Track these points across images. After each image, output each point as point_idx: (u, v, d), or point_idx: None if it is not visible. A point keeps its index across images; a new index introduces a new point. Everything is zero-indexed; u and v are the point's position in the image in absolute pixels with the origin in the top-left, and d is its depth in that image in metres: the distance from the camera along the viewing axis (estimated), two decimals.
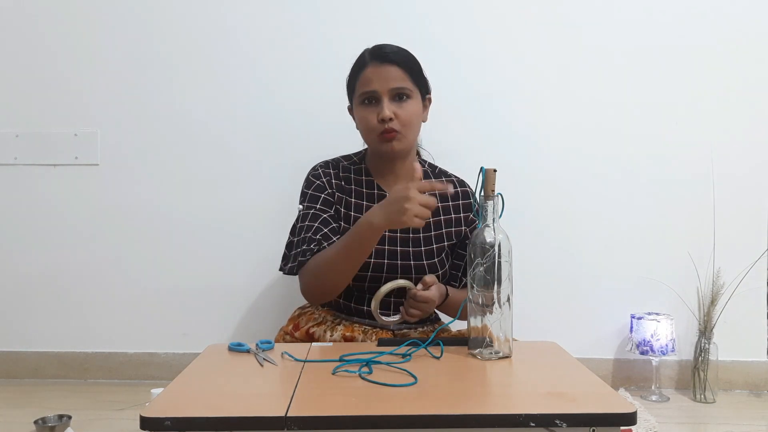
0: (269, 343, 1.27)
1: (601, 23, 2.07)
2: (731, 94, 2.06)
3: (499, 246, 1.16)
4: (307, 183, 1.57)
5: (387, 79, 1.46)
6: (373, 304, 1.41)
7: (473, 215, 1.61)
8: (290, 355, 1.20)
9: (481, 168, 1.18)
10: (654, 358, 1.98)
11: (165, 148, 2.11)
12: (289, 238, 1.57)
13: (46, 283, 2.13)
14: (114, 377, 2.13)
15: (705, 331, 2.00)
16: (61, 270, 2.12)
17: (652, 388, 2.00)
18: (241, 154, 2.10)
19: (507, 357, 1.17)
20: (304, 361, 1.16)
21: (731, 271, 2.02)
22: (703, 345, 1.99)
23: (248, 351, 1.24)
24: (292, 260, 1.51)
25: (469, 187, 1.65)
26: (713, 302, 2.00)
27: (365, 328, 1.51)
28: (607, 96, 2.07)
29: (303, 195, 1.56)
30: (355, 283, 1.49)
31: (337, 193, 1.54)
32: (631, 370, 2.10)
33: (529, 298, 1.97)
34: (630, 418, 0.89)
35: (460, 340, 1.26)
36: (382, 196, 1.54)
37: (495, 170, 1.17)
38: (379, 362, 1.12)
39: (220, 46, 2.09)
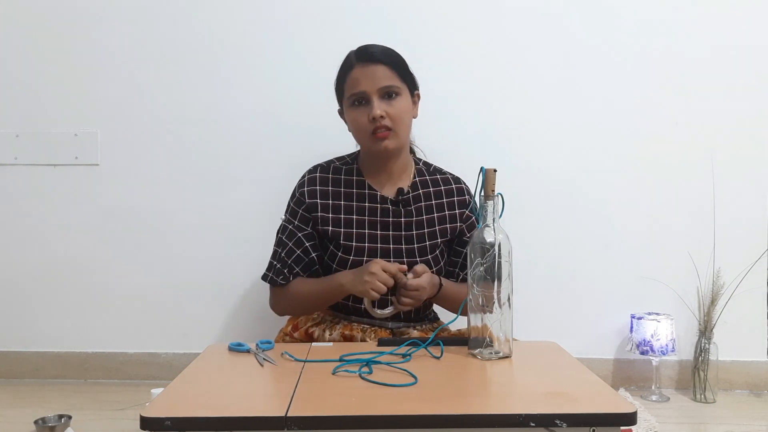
0: (269, 343, 1.27)
1: (601, 23, 2.06)
2: (731, 94, 2.05)
3: (499, 246, 1.16)
4: (292, 194, 1.61)
5: (375, 78, 1.47)
6: (365, 301, 1.46)
7: (468, 211, 1.62)
8: (290, 355, 1.20)
9: (481, 168, 1.18)
10: (654, 358, 1.98)
11: (165, 148, 2.11)
12: (274, 246, 1.62)
13: (46, 283, 2.13)
14: (114, 377, 2.13)
15: (705, 331, 2.00)
16: (61, 270, 2.12)
17: (652, 388, 2.00)
18: (241, 154, 2.10)
19: (507, 357, 1.17)
20: (304, 361, 1.16)
21: (731, 271, 2.02)
22: (703, 345, 1.99)
23: (248, 351, 1.24)
24: (269, 271, 1.59)
25: (464, 183, 1.66)
26: (713, 302, 2.00)
27: (364, 327, 1.51)
28: (607, 96, 2.07)
29: (287, 205, 1.61)
30: None
31: (319, 201, 1.56)
32: (631, 370, 2.10)
33: (529, 298, 1.97)
34: (630, 418, 0.89)
35: (460, 340, 1.27)
36: (373, 196, 1.56)
37: (495, 170, 1.18)
38: (379, 362, 1.13)
39: (220, 46, 2.09)
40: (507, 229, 1.20)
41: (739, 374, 2.07)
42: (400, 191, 1.56)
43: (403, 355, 1.18)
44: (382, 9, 2.06)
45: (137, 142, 2.11)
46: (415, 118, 1.58)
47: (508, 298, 1.17)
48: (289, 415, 0.88)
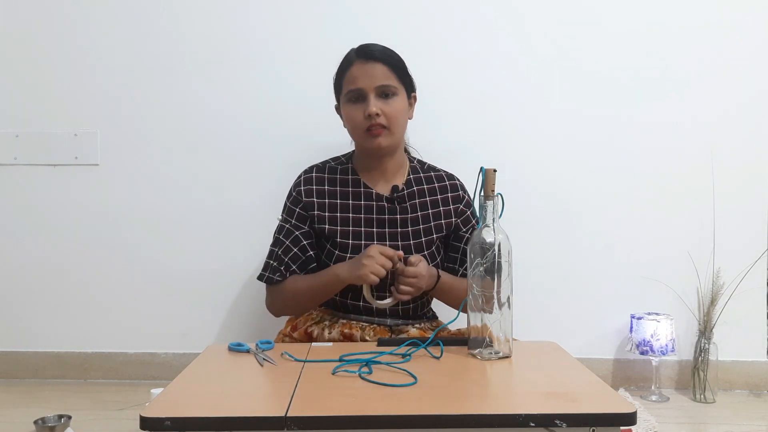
0: (269, 343, 1.27)
1: (600, 23, 2.06)
2: (731, 94, 2.05)
3: (499, 246, 1.16)
4: (289, 193, 1.62)
5: (373, 76, 1.49)
6: (365, 289, 1.47)
7: (463, 206, 1.63)
8: (290, 355, 1.20)
9: (481, 168, 1.18)
10: (654, 358, 1.98)
11: (165, 148, 2.11)
12: (270, 246, 1.62)
13: (46, 283, 2.13)
14: (114, 377, 2.13)
15: (705, 331, 2.00)
16: (61, 270, 2.12)
17: (652, 388, 2.00)
18: (241, 154, 2.10)
19: (507, 357, 1.17)
20: (304, 361, 1.16)
21: (731, 271, 2.02)
22: (702, 345, 1.99)
23: (248, 351, 1.24)
24: (265, 270, 1.59)
25: (458, 179, 1.68)
26: (713, 302, 2.00)
27: (363, 325, 1.52)
28: (607, 95, 2.07)
29: (284, 205, 1.62)
30: None
31: (316, 200, 1.57)
32: (631, 370, 2.10)
33: (529, 298, 1.97)
34: (630, 418, 0.89)
35: (460, 340, 1.27)
36: (368, 194, 1.57)
37: (495, 170, 1.18)
38: (378, 362, 1.13)
39: (220, 46, 2.09)
40: (507, 229, 1.20)
41: (739, 374, 2.07)
42: (394, 189, 1.57)
43: (403, 355, 1.18)
44: (382, 9, 2.06)
45: (137, 142, 2.11)
46: (410, 119, 1.61)
47: (508, 298, 1.17)
48: (288, 415, 0.88)
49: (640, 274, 2.07)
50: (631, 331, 2.03)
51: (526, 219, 2.03)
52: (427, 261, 1.54)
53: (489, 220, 1.18)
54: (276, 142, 2.09)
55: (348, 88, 1.52)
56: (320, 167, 1.62)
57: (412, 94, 1.60)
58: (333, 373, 1.08)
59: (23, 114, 2.11)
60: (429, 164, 1.69)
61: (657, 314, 2.00)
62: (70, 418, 1.65)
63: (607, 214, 2.08)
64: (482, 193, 1.18)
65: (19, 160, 2.12)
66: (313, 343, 1.36)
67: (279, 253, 1.57)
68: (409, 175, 1.62)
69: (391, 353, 1.19)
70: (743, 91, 2.05)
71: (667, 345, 1.96)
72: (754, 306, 2.06)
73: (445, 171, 1.68)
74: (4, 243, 2.13)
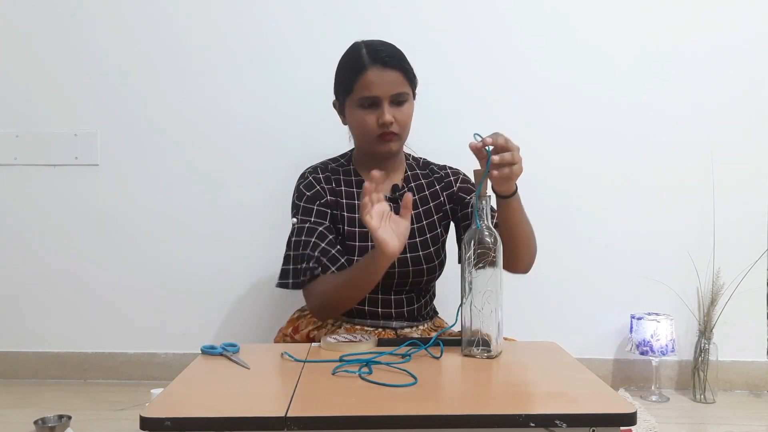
0: (234, 345, 1.25)
1: (600, 24, 2.07)
2: (731, 94, 2.06)
3: (493, 244, 1.16)
4: (299, 194, 1.55)
5: (389, 84, 1.46)
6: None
7: (457, 189, 1.61)
8: (290, 356, 1.19)
9: (488, 159, 1.19)
10: (654, 358, 1.98)
11: (165, 148, 2.11)
12: (285, 251, 1.53)
13: (46, 283, 2.13)
14: (114, 377, 2.13)
15: (705, 331, 2.00)
16: (61, 270, 2.12)
17: (652, 388, 2.00)
18: (241, 154, 2.10)
19: (497, 355, 1.16)
20: (304, 361, 1.16)
21: (731, 271, 2.02)
22: (702, 345, 1.99)
23: (221, 354, 1.22)
24: (293, 276, 1.49)
25: (449, 168, 1.65)
26: (713, 302, 2.00)
27: (367, 329, 1.51)
28: (607, 96, 2.07)
29: (295, 207, 1.54)
30: None
31: (329, 197, 1.53)
32: (631, 370, 2.10)
33: (529, 298, 1.97)
34: (630, 419, 0.89)
35: (460, 341, 1.26)
36: None
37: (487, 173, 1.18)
38: (379, 362, 1.12)
39: (220, 46, 2.09)
40: None
41: (738, 374, 2.07)
42: (395, 188, 1.56)
43: (403, 356, 1.18)
44: (383, 9, 2.06)
45: (137, 142, 2.11)
46: None
47: (497, 295, 1.16)
48: (288, 415, 0.88)
49: (640, 274, 2.07)
50: (631, 331, 2.03)
51: None
52: (433, 258, 1.54)
53: (481, 220, 1.18)
54: (277, 142, 2.09)
55: (362, 95, 1.47)
56: (322, 168, 1.60)
57: (415, 92, 1.58)
58: (333, 374, 1.08)
59: (23, 114, 2.11)
60: (424, 160, 1.68)
61: (657, 314, 2.00)
62: (70, 418, 1.65)
63: (606, 215, 2.08)
64: (480, 193, 1.19)
65: (19, 160, 2.12)
66: (313, 343, 1.35)
67: (307, 252, 1.46)
68: (406, 172, 1.62)
69: (391, 353, 1.18)
70: (743, 91, 2.05)
71: (667, 345, 1.96)
72: (754, 306, 2.06)
73: (436, 164, 1.67)
74: (3, 243, 2.13)
